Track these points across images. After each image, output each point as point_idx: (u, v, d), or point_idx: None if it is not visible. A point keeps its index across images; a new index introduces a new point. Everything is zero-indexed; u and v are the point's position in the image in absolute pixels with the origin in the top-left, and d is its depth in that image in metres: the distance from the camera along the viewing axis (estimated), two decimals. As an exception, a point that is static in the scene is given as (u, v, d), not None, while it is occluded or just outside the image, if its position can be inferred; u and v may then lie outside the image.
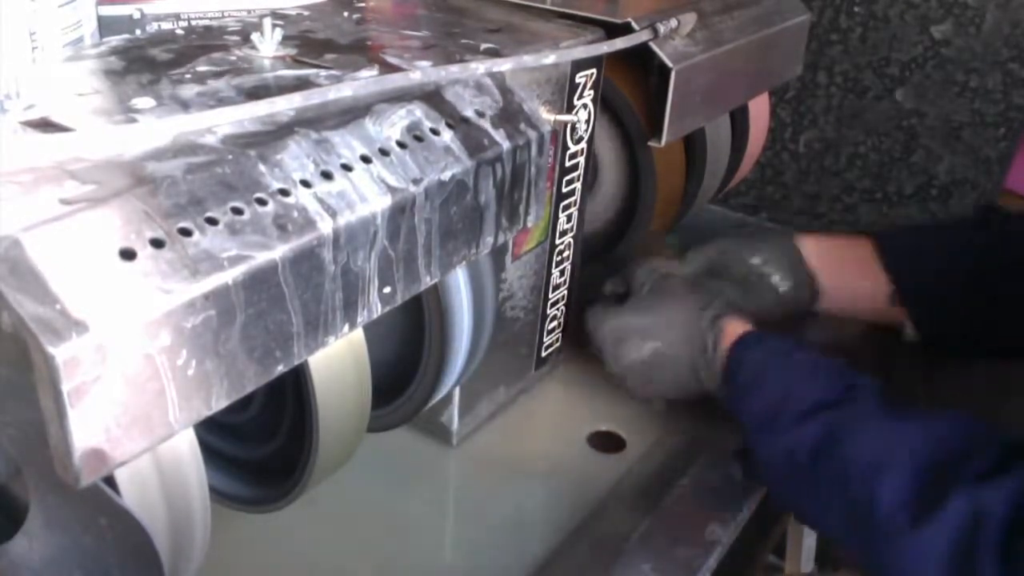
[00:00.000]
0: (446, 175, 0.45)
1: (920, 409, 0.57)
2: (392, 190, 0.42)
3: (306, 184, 0.40)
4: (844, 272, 0.78)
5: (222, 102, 0.43)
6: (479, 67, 0.50)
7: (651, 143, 0.70)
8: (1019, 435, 0.53)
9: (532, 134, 0.51)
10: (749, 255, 0.77)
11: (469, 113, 0.49)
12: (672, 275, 0.73)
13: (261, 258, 0.36)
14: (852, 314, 0.80)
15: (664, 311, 0.69)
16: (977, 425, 0.54)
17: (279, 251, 0.37)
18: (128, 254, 0.33)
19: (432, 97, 0.48)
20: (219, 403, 0.36)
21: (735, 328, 0.66)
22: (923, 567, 0.50)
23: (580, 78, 0.63)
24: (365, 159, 0.42)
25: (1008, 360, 0.76)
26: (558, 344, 0.77)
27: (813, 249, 0.78)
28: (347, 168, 0.41)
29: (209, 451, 0.52)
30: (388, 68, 0.49)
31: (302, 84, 0.46)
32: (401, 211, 0.43)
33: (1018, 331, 0.72)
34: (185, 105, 0.42)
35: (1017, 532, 0.47)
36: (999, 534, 0.47)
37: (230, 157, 0.38)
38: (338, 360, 0.50)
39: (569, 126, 0.64)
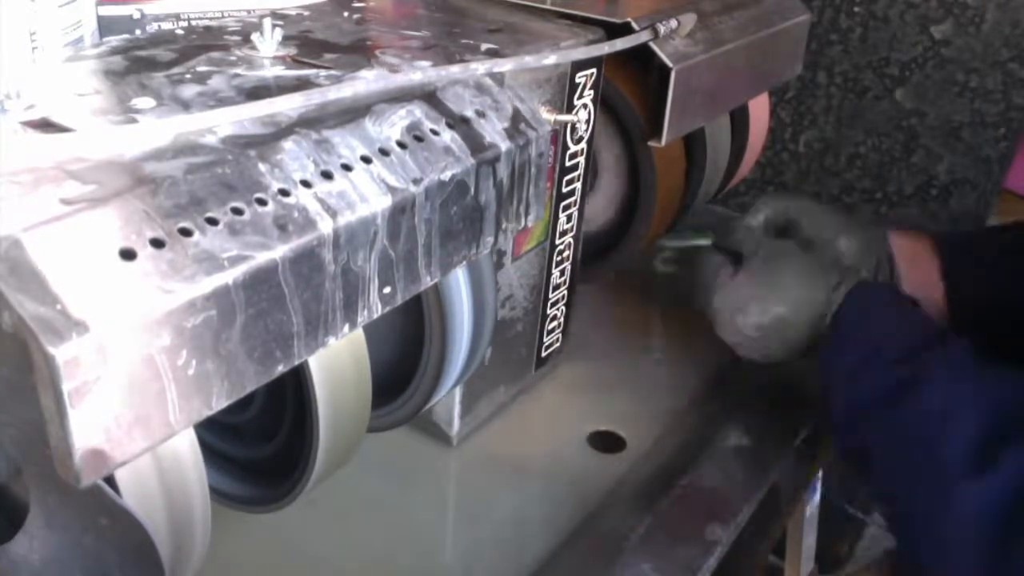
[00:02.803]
0: (446, 175, 0.45)
1: (999, 367, 0.57)
2: (392, 190, 0.42)
3: (306, 184, 0.40)
4: (913, 265, 0.74)
5: (222, 102, 0.43)
6: (479, 67, 0.50)
7: (651, 143, 0.70)
8: None
9: (532, 134, 0.51)
10: (835, 233, 0.72)
11: (469, 113, 0.49)
12: (782, 244, 0.71)
13: (261, 258, 0.36)
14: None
15: (786, 280, 0.67)
16: None
17: (279, 251, 0.37)
18: (128, 254, 0.33)
19: (432, 97, 0.48)
20: (219, 403, 0.36)
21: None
22: (981, 515, 0.50)
23: (580, 78, 0.63)
24: (365, 159, 0.42)
25: None
26: (558, 344, 0.77)
27: (892, 240, 0.75)
28: (347, 168, 0.42)
29: (209, 451, 0.52)
30: (388, 68, 0.49)
31: (302, 84, 0.46)
32: (401, 211, 0.43)
33: None
34: (185, 105, 0.42)
35: None
36: None
37: (230, 157, 0.39)
38: (338, 360, 0.50)
39: (569, 126, 0.64)
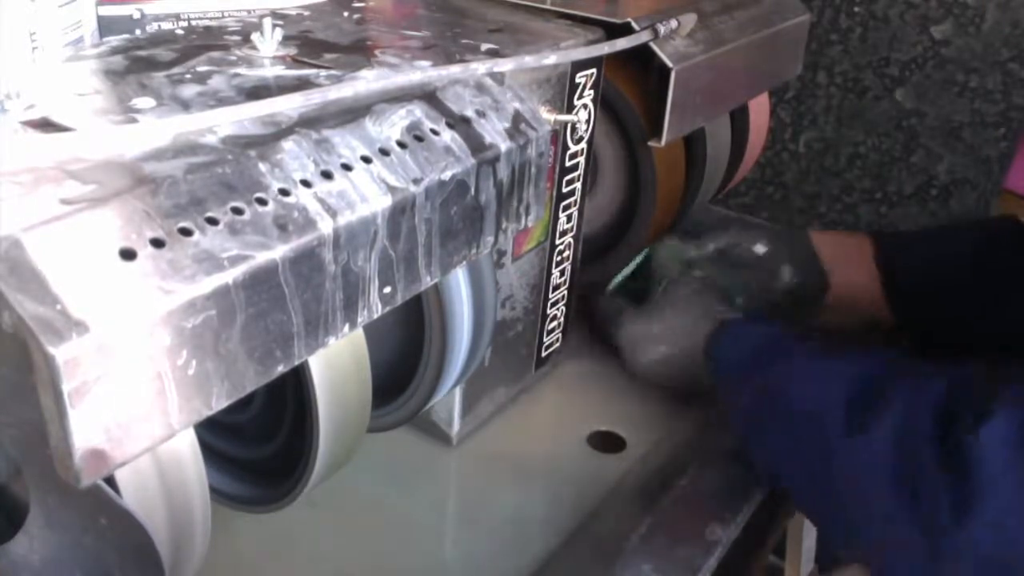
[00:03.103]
0: (446, 175, 0.45)
1: (862, 348, 0.63)
2: (392, 190, 0.42)
3: (306, 184, 0.40)
4: (845, 265, 0.79)
5: (222, 102, 0.43)
6: (479, 67, 0.50)
7: (651, 143, 0.70)
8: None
9: (532, 134, 0.51)
10: (753, 243, 0.79)
11: (469, 113, 0.49)
12: (687, 280, 0.76)
13: (261, 258, 0.36)
14: (851, 309, 0.82)
15: (674, 317, 0.73)
16: (914, 359, 0.59)
17: (279, 251, 0.37)
18: (128, 254, 0.33)
19: (432, 97, 0.48)
20: (219, 403, 0.36)
21: None
22: (868, 468, 0.54)
23: (580, 78, 0.63)
24: (365, 159, 0.42)
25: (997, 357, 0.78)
26: (558, 344, 0.77)
27: (822, 241, 0.80)
28: (347, 168, 0.42)
29: (209, 451, 0.52)
30: (388, 68, 0.49)
31: (302, 84, 0.46)
32: (401, 211, 0.43)
33: (1005, 331, 0.73)
34: (185, 105, 0.42)
35: (950, 421, 0.51)
36: (932, 424, 0.51)
37: (230, 157, 0.39)
38: (338, 360, 0.50)
39: (569, 126, 0.64)
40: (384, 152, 0.43)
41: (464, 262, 0.49)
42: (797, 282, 0.78)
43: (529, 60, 0.54)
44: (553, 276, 0.71)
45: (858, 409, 0.55)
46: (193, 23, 0.59)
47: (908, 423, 0.52)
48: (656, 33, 0.63)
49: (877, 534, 0.55)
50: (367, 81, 0.46)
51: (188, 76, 0.46)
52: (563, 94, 0.62)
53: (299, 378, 0.49)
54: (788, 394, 0.61)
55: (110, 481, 0.39)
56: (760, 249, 0.79)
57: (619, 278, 0.80)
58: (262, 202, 0.38)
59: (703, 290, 0.75)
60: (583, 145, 0.66)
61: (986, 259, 0.75)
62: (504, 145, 0.49)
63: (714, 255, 0.80)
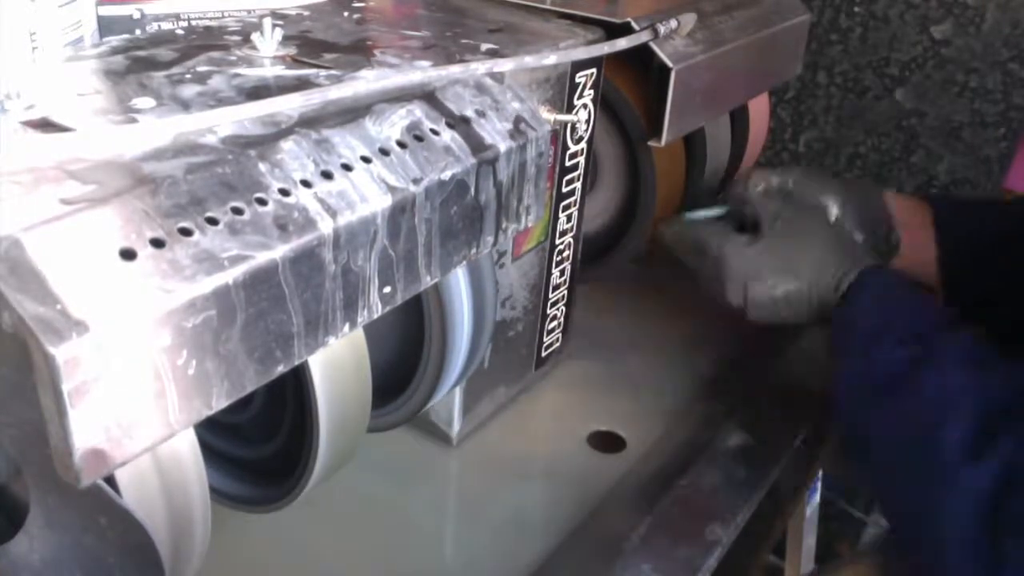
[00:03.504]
0: (446, 175, 0.45)
1: (1002, 359, 0.57)
2: (392, 190, 0.42)
3: (306, 184, 0.40)
4: (912, 228, 0.75)
5: (222, 102, 0.43)
6: (479, 67, 0.50)
7: (651, 143, 0.70)
8: None
9: (532, 134, 0.51)
10: (822, 193, 0.74)
11: (469, 113, 0.49)
12: (806, 212, 0.71)
13: (261, 258, 0.36)
14: (915, 276, 0.77)
15: (803, 255, 0.68)
16: None
17: (279, 251, 0.37)
18: (128, 254, 0.33)
19: (432, 97, 0.48)
20: (219, 403, 0.36)
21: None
22: (963, 504, 0.50)
23: (580, 78, 0.63)
24: (365, 159, 0.42)
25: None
26: (558, 344, 0.77)
27: (891, 202, 0.76)
28: (347, 168, 0.41)
29: (209, 451, 0.52)
30: (388, 68, 0.49)
31: (302, 84, 0.46)
32: (401, 211, 0.43)
33: None
34: (185, 105, 0.42)
35: None
36: None
37: (230, 157, 0.39)
38: (338, 360, 0.50)
39: (569, 126, 0.64)
40: (384, 152, 0.43)
41: (464, 262, 0.49)
42: (864, 242, 0.73)
43: (529, 60, 0.54)
44: (553, 276, 0.71)
45: (984, 435, 0.52)
46: (193, 23, 0.59)
47: (1015, 468, 0.49)
48: (656, 33, 0.63)
49: (949, 566, 0.52)
50: (367, 81, 0.46)
51: (188, 76, 0.46)
52: (563, 94, 0.62)
53: (299, 378, 0.49)
54: (920, 386, 0.56)
55: (110, 481, 0.39)
56: (829, 201, 0.73)
57: (698, 214, 0.74)
58: (262, 202, 0.38)
59: (834, 224, 0.70)
60: (583, 145, 0.66)
61: None
62: (504, 145, 0.49)
63: (781, 192, 0.74)
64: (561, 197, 0.67)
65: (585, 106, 0.65)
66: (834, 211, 0.73)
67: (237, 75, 0.46)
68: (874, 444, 0.60)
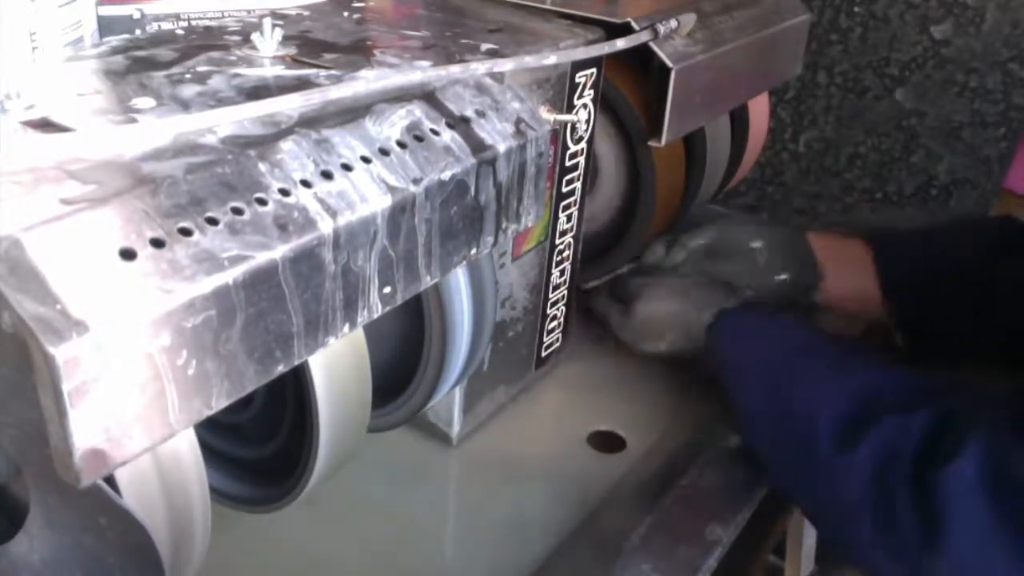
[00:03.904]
0: (446, 175, 0.45)
1: (861, 355, 0.64)
2: (392, 190, 0.42)
3: (306, 184, 0.40)
4: (841, 266, 0.79)
5: (222, 102, 0.43)
6: (479, 67, 0.50)
7: (651, 143, 0.70)
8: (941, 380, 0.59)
9: (532, 134, 0.51)
10: (749, 239, 0.79)
11: (469, 113, 0.49)
12: (669, 276, 0.77)
13: (261, 258, 0.36)
14: (847, 311, 0.82)
15: (668, 313, 0.74)
16: (912, 376, 0.60)
17: (279, 251, 0.37)
18: (128, 254, 0.33)
19: (432, 97, 0.48)
20: (219, 403, 0.36)
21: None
22: (849, 489, 0.55)
23: (580, 78, 0.63)
24: (365, 159, 0.42)
25: (993, 365, 0.78)
26: (558, 344, 0.77)
27: (814, 241, 0.80)
28: (347, 168, 0.41)
29: (209, 451, 0.52)
30: (388, 68, 0.49)
31: (302, 84, 0.46)
32: (401, 211, 0.43)
33: (1005, 336, 0.73)
34: (185, 105, 0.42)
35: (926, 461, 0.52)
36: (911, 458, 0.53)
37: (230, 157, 0.39)
38: (339, 360, 0.50)
39: (569, 126, 0.64)
40: (384, 152, 0.43)
41: (464, 262, 0.49)
42: (790, 278, 0.78)
43: (529, 60, 0.54)
44: (553, 276, 0.71)
45: (851, 425, 0.56)
46: (193, 23, 0.59)
47: (889, 452, 0.54)
48: (656, 33, 0.63)
49: (861, 550, 0.57)
50: (367, 81, 0.46)
51: (188, 76, 0.46)
52: (563, 94, 0.62)
53: (299, 378, 0.49)
54: (791, 393, 0.62)
55: (110, 481, 0.39)
56: (755, 244, 0.79)
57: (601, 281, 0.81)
58: (262, 202, 0.38)
59: (701, 281, 0.76)
60: (583, 145, 0.66)
61: (985, 261, 0.75)
62: (504, 145, 0.49)
63: (703, 250, 0.80)
64: (561, 197, 0.67)
65: (585, 106, 0.65)
66: (760, 258, 0.79)
67: (237, 75, 0.46)
68: (771, 463, 0.65)
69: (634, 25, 0.63)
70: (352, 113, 0.44)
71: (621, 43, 0.61)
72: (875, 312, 0.79)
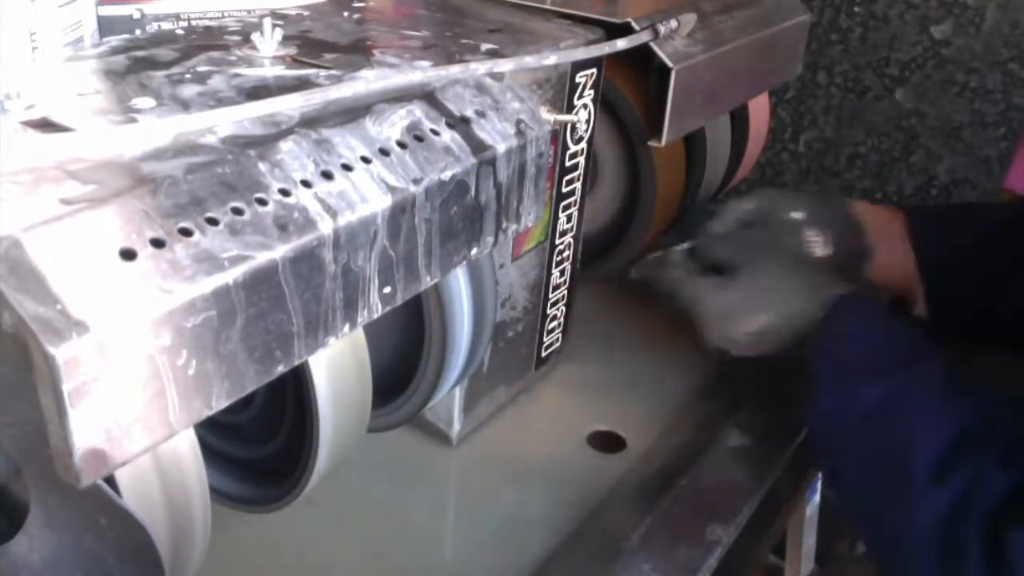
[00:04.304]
0: (446, 175, 0.45)
1: (974, 388, 0.59)
2: (392, 190, 0.42)
3: (306, 184, 0.40)
4: (886, 240, 0.76)
5: (222, 102, 0.43)
6: (479, 67, 0.50)
7: (651, 143, 0.70)
8: None
9: (532, 134, 0.51)
10: (791, 208, 0.75)
11: (469, 113, 0.49)
12: (768, 246, 0.72)
13: (261, 258, 0.36)
14: (888, 287, 0.78)
15: (777, 289, 0.68)
16: (1016, 411, 0.56)
17: (279, 251, 0.37)
18: (128, 254, 0.33)
19: (432, 97, 0.48)
20: (219, 403, 0.36)
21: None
22: (924, 525, 0.53)
23: (580, 78, 0.63)
24: (365, 159, 0.42)
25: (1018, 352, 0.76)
26: (558, 344, 0.77)
27: (861, 212, 0.76)
28: (347, 168, 0.42)
29: (209, 451, 0.52)
30: (388, 68, 0.49)
31: (302, 84, 0.46)
32: (401, 211, 0.43)
33: None
34: (185, 105, 0.42)
35: (1008, 507, 0.50)
36: (989, 507, 0.50)
37: (230, 157, 0.39)
38: (339, 360, 0.50)
39: (569, 126, 0.64)
40: (384, 152, 0.43)
41: (464, 262, 0.49)
42: (836, 252, 0.74)
43: (529, 60, 0.54)
44: (553, 276, 0.71)
45: (949, 458, 0.54)
46: (193, 23, 0.59)
47: (967, 498, 0.51)
48: (656, 33, 0.63)
49: None
50: (367, 81, 0.46)
51: (188, 76, 0.46)
52: (563, 94, 0.62)
53: (299, 378, 0.49)
54: (894, 417, 0.58)
55: (110, 481, 0.39)
56: (797, 215, 0.74)
57: (673, 250, 0.75)
58: (262, 202, 0.38)
59: (802, 259, 0.71)
60: (583, 145, 0.66)
61: (1011, 240, 0.73)
62: (504, 145, 0.49)
63: (744, 220, 0.76)
64: (561, 197, 0.67)
65: (585, 106, 0.65)
66: (805, 229, 0.74)
67: (237, 75, 0.46)
68: (848, 471, 0.61)
69: (634, 25, 0.63)
70: (352, 113, 0.44)
71: (621, 43, 0.61)
72: (911, 286, 0.76)
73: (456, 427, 0.70)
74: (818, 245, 0.74)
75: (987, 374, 0.79)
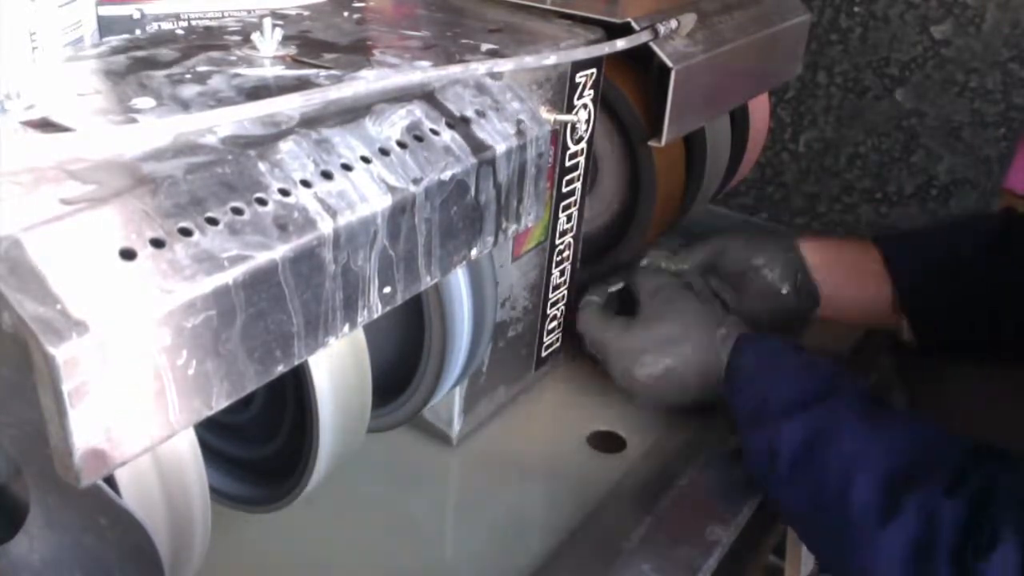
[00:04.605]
0: (446, 175, 0.45)
1: (897, 413, 0.59)
2: (392, 190, 0.42)
3: (306, 184, 0.40)
4: (847, 277, 0.77)
5: (222, 102, 0.43)
6: (479, 67, 0.50)
7: (651, 143, 0.70)
8: (979, 443, 0.55)
9: (532, 134, 0.51)
10: (751, 255, 0.77)
11: (469, 113, 0.49)
12: (679, 287, 0.73)
13: (261, 258, 0.36)
14: (851, 319, 0.81)
15: (679, 330, 0.69)
16: (945, 437, 0.56)
17: (279, 251, 0.37)
18: (128, 254, 0.33)
19: (432, 97, 0.48)
20: (219, 403, 0.36)
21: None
22: (886, 567, 0.52)
23: (580, 78, 0.63)
24: (365, 159, 0.42)
25: (1006, 365, 0.77)
26: (558, 344, 0.77)
27: (815, 253, 0.78)
28: (347, 168, 0.42)
29: (209, 451, 0.52)
30: (388, 68, 0.49)
31: (302, 84, 0.46)
32: (401, 211, 0.43)
33: (1013, 330, 0.72)
34: (185, 105, 0.42)
35: (969, 538, 0.49)
36: (952, 541, 0.49)
37: (230, 157, 0.39)
38: (338, 360, 0.50)
39: (569, 126, 0.64)
40: (384, 152, 0.43)
41: (464, 262, 0.49)
42: (792, 296, 0.76)
43: (529, 60, 0.54)
44: (553, 276, 0.71)
45: (890, 493, 0.53)
46: (193, 23, 0.59)
47: (929, 531, 0.51)
48: (656, 33, 0.63)
49: None
50: (367, 81, 0.46)
51: (188, 76, 0.46)
52: (563, 94, 0.62)
53: (299, 378, 0.49)
54: (820, 458, 0.57)
55: (110, 481, 0.39)
56: (757, 261, 0.76)
57: (594, 296, 0.76)
58: (262, 202, 0.38)
59: (706, 299, 0.72)
60: (583, 145, 0.66)
61: (987, 256, 0.74)
62: (504, 145, 0.49)
63: (700, 268, 0.78)
64: (561, 197, 0.67)
65: (585, 106, 0.65)
66: (758, 262, 0.76)
67: (237, 75, 0.46)
68: (791, 514, 0.61)
69: (634, 25, 0.63)
70: (352, 113, 0.44)
71: (621, 43, 0.61)
72: (878, 316, 0.77)
73: (456, 427, 0.70)
74: (775, 289, 0.76)
75: (977, 389, 0.80)
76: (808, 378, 0.62)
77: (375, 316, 0.43)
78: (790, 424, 0.59)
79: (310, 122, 0.42)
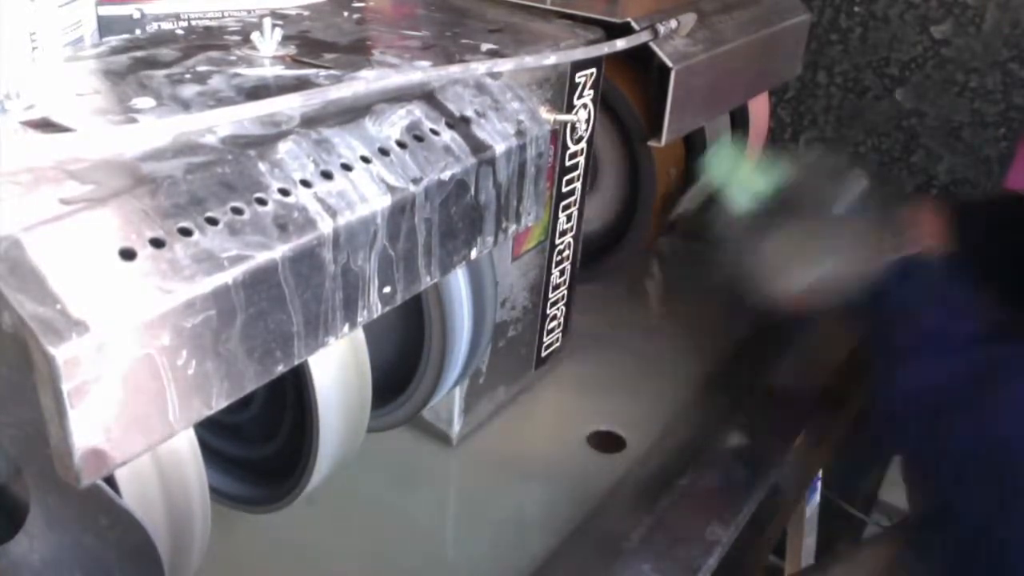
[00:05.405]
0: (446, 175, 0.45)
1: None
2: (392, 190, 0.42)
3: (306, 184, 0.40)
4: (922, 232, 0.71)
5: (222, 102, 0.43)
6: (479, 67, 0.50)
7: (651, 143, 0.70)
8: None
9: (532, 134, 0.51)
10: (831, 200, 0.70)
11: (469, 113, 0.49)
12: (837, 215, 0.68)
13: (261, 258, 0.36)
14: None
15: (837, 241, 0.65)
16: None
17: (279, 251, 0.37)
18: (128, 254, 0.33)
19: (432, 97, 0.48)
20: (219, 403, 0.36)
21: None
22: None
23: (580, 78, 0.63)
24: (365, 159, 0.42)
25: None
26: (558, 344, 0.77)
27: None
28: (347, 168, 0.41)
29: (209, 451, 0.52)
30: (388, 68, 0.49)
31: (302, 84, 0.46)
32: (401, 211, 0.43)
33: None
34: (185, 105, 0.42)
35: None
36: None
37: (230, 157, 0.38)
38: (338, 360, 0.50)
39: (569, 126, 0.64)
40: (384, 152, 0.43)
41: (464, 262, 0.49)
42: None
43: (529, 60, 0.54)
44: (553, 276, 0.71)
45: None
46: (193, 23, 0.59)
47: None
48: (656, 33, 0.63)
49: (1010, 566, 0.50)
50: (367, 81, 0.46)
51: (188, 76, 0.46)
52: (563, 94, 0.62)
53: (299, 378, 0.49)
54: (996, 395, 0.53)
55: (110, 481, 0.39)
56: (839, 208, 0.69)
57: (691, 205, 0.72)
58: (262, 202, 0.38)
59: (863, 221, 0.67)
60: (583, 145, 0.66)
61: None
62: (504, 145, 0.49)
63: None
64: (561, 197, 0.67)
65: (585, 106, 0.65)
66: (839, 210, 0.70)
67: (237, 75, 0.46)
68: (945, 452, 0.56)
69: (634, 25, 0.63)
70: (352, 113, 0.44)
71: (621, 43, 0.61)
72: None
73: (456, 427, 0.70)
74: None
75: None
76: (977, 315, 0.58)
77: (375, 316, 0.43)
78: (956, 358, 0.55)
79: (310, 122, 0.42)
